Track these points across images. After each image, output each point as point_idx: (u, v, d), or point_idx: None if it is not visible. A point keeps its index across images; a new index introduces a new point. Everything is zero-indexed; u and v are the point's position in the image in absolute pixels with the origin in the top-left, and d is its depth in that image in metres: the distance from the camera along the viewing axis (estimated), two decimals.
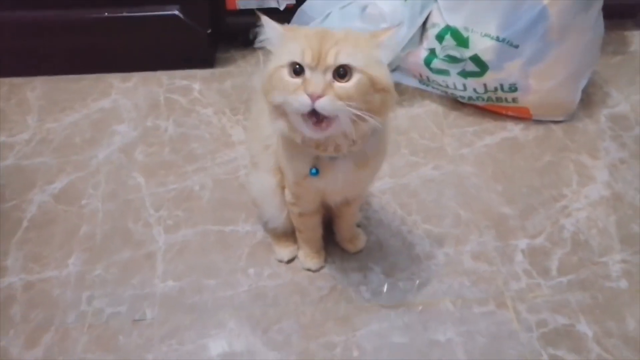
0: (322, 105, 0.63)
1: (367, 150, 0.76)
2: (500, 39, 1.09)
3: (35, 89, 1.40)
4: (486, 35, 1.10)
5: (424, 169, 1.17)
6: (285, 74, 0.66)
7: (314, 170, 0.76)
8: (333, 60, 0.64)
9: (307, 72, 0.65)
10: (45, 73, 1.44)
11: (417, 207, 1.10)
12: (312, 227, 0.94)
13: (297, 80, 0.65)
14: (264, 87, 0.70)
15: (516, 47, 1.10)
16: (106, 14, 1.33)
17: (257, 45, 0.75)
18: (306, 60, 0.64)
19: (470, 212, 1.08)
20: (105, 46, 1.41)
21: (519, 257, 1.00)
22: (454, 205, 1.10)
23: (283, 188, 0.88)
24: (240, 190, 1.14)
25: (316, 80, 0.64)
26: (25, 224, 1.09)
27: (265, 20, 0.70)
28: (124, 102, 1.37)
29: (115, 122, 1.31)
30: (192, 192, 1.14)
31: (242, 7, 1.43)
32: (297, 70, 0.65)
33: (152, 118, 1.32)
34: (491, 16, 1.08)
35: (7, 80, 1.43)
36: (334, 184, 0.78)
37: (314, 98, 0.63)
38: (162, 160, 1.21)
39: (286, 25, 0.71)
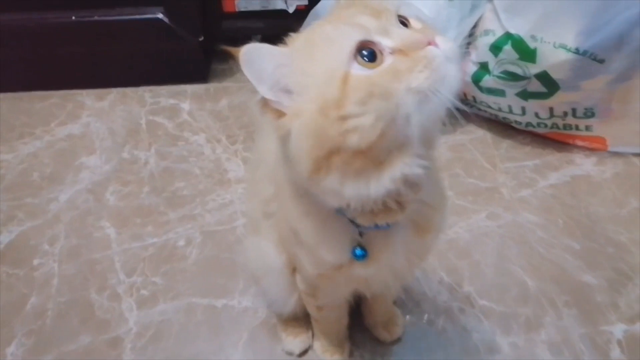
0: (449, 47, 0.40)
1: (427, 199, 0.50)
2: (581, 51, 0.82)
3: None
4: (561, 46, 0.83)
5: (475, 217, 0.91)
6: (362, 71, 0.39)
7: (359, 251, 0.50)
8: (394, 7, 0.42)
9: (386, 40, 0.40)
10: (6, 89, 1.19)
11: (469, 273, 0.83)
12: (335, 320, 0.68)
13: (390, 61, 0.40)
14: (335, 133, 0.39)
15: (601, 61, 0.83)
16: (73, 17, 1.07)
17: None
18: (372, 27, 0.41)
19: (540, 281, 0.82)
20: (77, 58, 1.16)
21: (615, 351, 0.73)
22: (518, 270, 0.83)
23: (293, 269, 0.62)
24: (238, 247, 0.88)
25: (405, 31, 0.41)
26: None
27: (256, 50, 0.40)
28: (97, 127, 1.11)
29: (85, 152, 1.06)
30: (176, 250, 0.89)
31: (241, 9, 1.17)
32: (369, 53, 0.40)
33: (130, 147, 1.06)
34: (570, 21, 0.81)
35: None
36: (387, 268, 0.52)
37: (434, 44, 0.40)
38: (139, 205, 0.96)
39: (292, 38, 0.44)
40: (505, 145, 1.03)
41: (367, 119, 0.39)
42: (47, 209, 0.96)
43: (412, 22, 0.43)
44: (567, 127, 0.97)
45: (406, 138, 0.40)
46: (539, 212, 0.91)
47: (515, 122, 1.01)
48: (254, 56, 0.40)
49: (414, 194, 0.45)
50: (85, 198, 0.97)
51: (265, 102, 0.41)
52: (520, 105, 0.96)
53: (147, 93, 1.18)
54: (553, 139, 1.02)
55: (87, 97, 1.18)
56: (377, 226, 0.47)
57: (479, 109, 1.05)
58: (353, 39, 0.40)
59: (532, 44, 0.85)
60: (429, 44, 0.40)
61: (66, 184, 1.00)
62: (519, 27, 0.85)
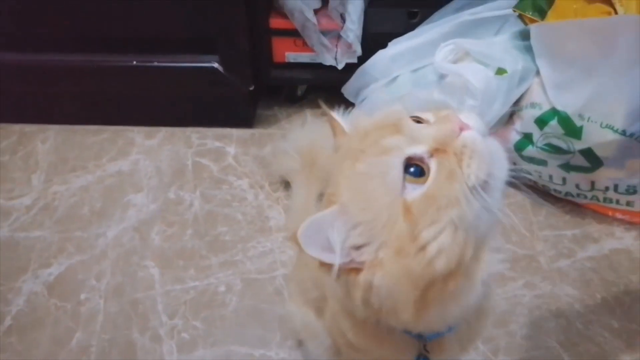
0: (477, 122, 0.41)
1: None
2: (628, 133, 0.84)
3: (47, 140, 1.21)
4: (608, 126, 0.85)
5: (513, 285, 0.92)
6: (416, 191, 0.39)
7: None
8: (404, 112, 0.43)
9: (420, 147, 0.40)
10: (61, 122, 1.25)
11: (506, 343, 0.84)
12: None
13: (435, 166, 0.40)
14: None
15: None
16: (135, 62, 1.13)
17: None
18: (402, 143, 0.40)
19: (577, 358, 0.82)
20: (131, 97, 1.21)
21: None
22: (556, 345, 0.84)
23: None
24: (276, 298, 0.90)
25: (430, 128, 0.41)
26: (8, 322, 0.88)
27: (311, 226, 0.39)
28: (145, 165, 1.16)
29: (132, 190, 1.10)
30: (216, 295, 0.91)
31: (291, 61, 1.22)
32: (415, 170, 0.39)
33: (176, 188, 1.10)
34: (617, 104, 0.83)
35: (18, 127, 1.23)
36: None
37: (465, 127, 0.40)
38: (182, 247, 0.99)
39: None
40: (544, 212, 1.04)
41: (446, 237, 0.38)
42: (95, 244, 0.99)
43: (425, 115, 0.43)
44: (607, 200, 0.98)
45: (486, 235, 0.40)
46: (577, 285, 0.92)
47: (555, 190, 1.02)
48: (311, 232, 0.38)
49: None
50: (132, 236, 1.01)
51: (339, 268, 0.39)
52: (562, 176, 0.97)
53: (194, 134, 1.23)
54: (592, 209, 1.02)
55: (138, 134, 1.23)
56: (438, 334, 0.47)
57: (518, 175, 1.06)
58: (394, 165, 0.39)
59: (578, 122, 0.87)
60: (461, 129, 0.39)
61: (114, 220, 1.04)
62: (567, 105, 0.88)
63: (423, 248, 0.38)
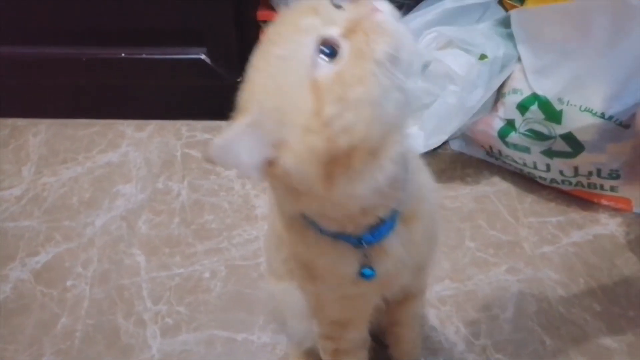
0: (389, 7, 0.41)
1: (410, 187, 0.50)
2: (607, 116, 0.84)
3: (38, 134, 1.22)
4: (587, 110, 0.85)
5: (496, 270, 0.92)
6: (329, 69, 0.39)
7: (367, 272, 0.50)
8: None
9: (334, 28, 0.40)
10: (53, 115, 1.26)
11: (487, 326, 0.84)
12: None
13: (347, 46, 0.40)
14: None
15: (626, 127, 0.85)
16: (123, 54, 1.15)
17: None
18: (317, 24, 0.40)
19: (558, 340, 0.82)
20: (121, 89, 1.23)
21: None
22: (536, 327, 0.84)
23: None
24: (260, 283, 0.90)
25: (346, 12, 0.41)
26: None
27: (224, 146, 0.39)
28: (135, 156, 1.17)
29: (122, 180, 1.11)
30: (201, 281, 0.92)
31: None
32: (329, 50, 0.39)
33: (164, 178, 1.11)
34: (595, 87, 0.84)
35: (10, 121, 1.25)
36: (394, 271, 0.52)
37: (377, 10, 0.40)
38: (169, 235, 1.00)
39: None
40: (530, 199, 1.04)
41: (351, 114, 0.38)
42: (83, 232, 1.00)
43: (345, 3, 0.43)
44: (591, 186, 0.98)
45: (393, 116, 0.40)
46: (560, 270, 0.92)
47: (540, 177, 1.02)
48: (224, 153, 0.39)
49: (405, 172, 0.46)
50: (119, 225, 1.02)
51: (261, 173, 0.40)
52: (545, 163, 0.97)
53: (184, 127, 1.24)
54: (578, 196, 1.02)
55: (128, 127, 1.24)
56: (374, 237, 0.48)
57: (504, 162, 1.06)
58: (307, 44, 0.39)
59: (558, 106, 0.87)
60: (373, 11, 0.40)
61: (102, 210, 1.05)
62: (546, 89, 0.88)
63: (327, 124, 0.38)
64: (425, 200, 0.53)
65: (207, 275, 0.93)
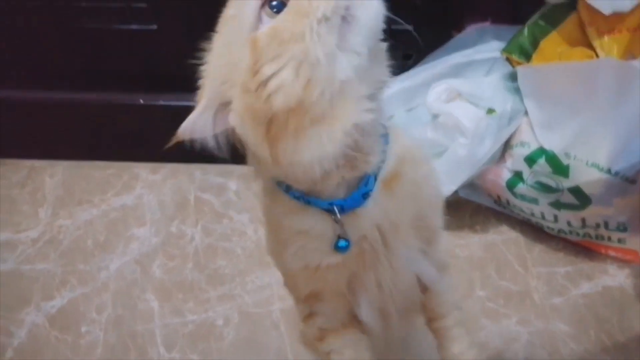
0: None
1: (388, 151, 0.48)
2: (613, 172, 0.87)
3: (55, 175, 1.25)
4: (594, 165, 0.88)
5: (506, 322, 0.93)
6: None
7: (342, 243, 0.47)
8: None
9: None
10: (69, 157, 1.29)
11: None
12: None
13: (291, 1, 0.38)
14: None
15: (633, 182, 0.87)
16: (142, 101, 1.19)
17: None
18: None
19: None
20: (137, 133, 1.26)
21: None
22: None
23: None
24: (273, 332, 0.91)
25: None
26: (9, 354, 0.89)
27: (189, 127, 0.43)
28: (149, 199, 1.19)
29: (136, 223, 1.13)
30: (214, 328, 0.93)
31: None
32: (278, 3, 0.38)
33: (178, 222, 1.13)
34: (601, 143, 0.86)
35: (28, 163, 1.28)
36: (372, 238, 0.48)
37: None
38: (183, 280, 1.01)
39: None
40: (538, 249, 1.06)
41: (286, 73, 0.36)
42: (98, 276, 1.02)
43: None
44: (599, 237, 1.00)
45: (342, 82, 0.37)
46: (570, 322, 0.92)
47: (548, 227, 1.04)
48: (191, 132, 0.43)
49: (372, 142, 0.44)
50: (133, 269, 1.03)
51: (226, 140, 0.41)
52: (553, 213, 0.99)
53: (197, 170, 1.26)
54: (586, 246, 1.04)
55: (143, 170, 1.27)
56: (346, 202, 0.45)
57: (512, 211, 1.08)
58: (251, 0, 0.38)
59: (565, 161, 0.90)
60: None
61: (117, 254, 1.06)
62: (553, 144, 0.91)
63: (263, 84, 0.37)
64: (410, 161, 0.50)
65: (220, 322, 0.93)
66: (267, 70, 0.37)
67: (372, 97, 0.41)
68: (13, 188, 1.21)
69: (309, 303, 0.55)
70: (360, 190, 0.46)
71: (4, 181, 1.23)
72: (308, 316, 0.56)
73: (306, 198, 0.46)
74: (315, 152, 0.39)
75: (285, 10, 0.38)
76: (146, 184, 1.23)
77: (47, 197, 1.20)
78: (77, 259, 1.05)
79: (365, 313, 0.53)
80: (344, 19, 0.38)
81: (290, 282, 0.57)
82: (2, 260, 1.05)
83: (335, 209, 0.46)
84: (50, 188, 1.22)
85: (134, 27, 1.11)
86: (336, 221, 0.46)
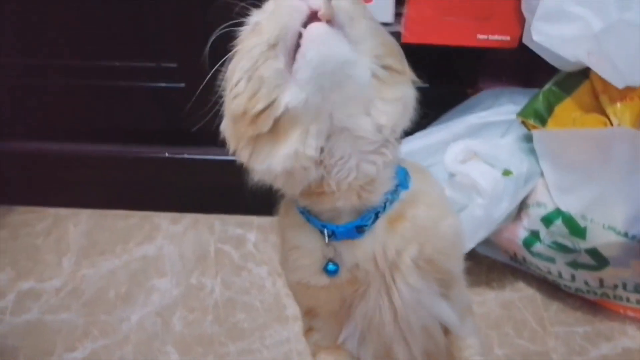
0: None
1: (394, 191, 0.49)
2: (630, 235, 0.88)
3: (79, 224, 1.29)
4: (611, 228, 0.89)
5: None
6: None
7: (331, 266, 0.49)
8: None
9: None
10: (93, 206, 1.33)
11: None
12: None
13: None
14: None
15: None
16: (167, 154, 1.23)
17: None
18: None
19: None
20: (160, 185, 1.30)
21: None
22: None
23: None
24: None
25: None
26: None
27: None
28: (170, 250, 1.22)
29: (157, 275, 1.15)
30: None
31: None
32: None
33: (198, 274, 1.15)
34: (617, 207, 0.88)
35: (53, 211, 1.32)
36: (366, 269, 0.49)
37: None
38: (202, 333, 1.02)
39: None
40: (555, 307, 1.06)
41: (241, 83, 0.43)
42: (119, 328, 1.03)
43: None
44: (617, 297, 1.00)
45: (287, 107, 0.41)
46: None
47: (565, 286, 1.05)
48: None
49: (375, 180, 0.46)
50: (154, 321, 1.05)
51: None
52: (570, 273, 1.00)
53: (217, 221, 1.29)
54: (604, 306, 1.04)
55: (164, 220, 1.30)
56: (339, 229, 0.48)
57: (529, 268, 1.09)
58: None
59: (582, 223, 0.91)
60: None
61: (138, 305, 1.08)
62: (570, 206, 0.93)
63: (231, 88, 0.44)
64: (424, 205, 0.51)
65: None
66: (235, 77, 0.43)
67: (325, 133, 0.43)
68: (38, 237, 1.24)
69: (307, 317, 0.57)
70: (355, 222, 0.48)
71: (29, 229, 1.26)
72: (307, 330, 0.59)
73: (306, 214, 0.49)
74: (262, 164, 0.45)
75: (250, 28, 0.45)
76: (167, 235, 1.26)
77: (70, 246, 1.23)
78: (99, 309, 1.07)
79: (349, 341, 0.55)
80: (297, 49, 0.41)
81: (292, 294, 0.59)
82: (26, 309, 1.07)
83: (326, 232, 0.49)
84: (74, 237, 1.25)
85: (162, 85, 1.16)
86: (327, 244, 0.49)
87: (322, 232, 0.49)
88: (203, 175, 1.25)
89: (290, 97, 0.41)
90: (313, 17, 0.40)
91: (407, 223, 0.50)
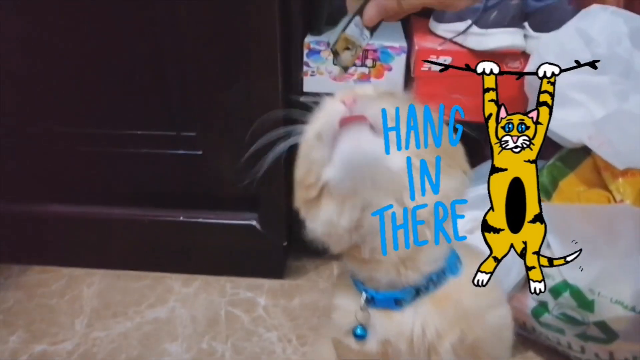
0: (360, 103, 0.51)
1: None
2: (638, 310, 0.90)
3: (92, 285, 1.31)
4: (618, 302, 0.91)
5: None
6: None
7: (359, 330, 0.52)
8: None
9: None
10: (107, 266, 1.35)
11: None
12: None
13: None
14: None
15: None
16: (182, 217, 1.27)
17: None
18: None
19: None
20: (173, 248, 1.33)
21: None
22: None
23: None
24: None
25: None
26: None
27: None
28: (181, 313, 1.23)
29: (169, 338, 1.16)
30: None
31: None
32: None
33: (209, 338, 1.16)
34: (625, 282, 0.90)
35: (67, 271, 1.34)
36: (397, 345, 0.51)
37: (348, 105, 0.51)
38: None
39: None
40: None
41: (301, 160, 0.54)
42: None
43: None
44: None
45: (327, 182, 0.50)
46: None
47: (575, 357, 1.05)
48: None
49: (375, 252, 0.51)
50: None
51: None
52: (580, 345, 1.01)
53: (228, 283, 1.31)
54: None
55: (175, 282, 1.32)
56: (378, 295, 0.52)
57: (538, 337, 1.10)
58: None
59: (590, 296, 0.93)
60: (347, 104, 0.50)
61: None
62: (577, 279, 0.95)
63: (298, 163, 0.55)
64: (469, 291, 0.52)
65: None
66: (300, 155, 0.55)
67: (362, 209, 0.50)
68: (52, 297, 1.26)
69: None
70: (394, 293, 0.52)
71: (44, 289, 1.29)
72: None
73: (353, 277, 0.55)
74: (310, 224, 0.53)
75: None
76: (179, 297, 1.28)
77: (84, 307, 1.24)
78: None
79: None
80: (320, 137, 0.52)
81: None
82: None
83: (364, 295, 0.53)
84: (87, 298, 1.27)
85: (180, 152, 1.22)
86: (362, 308, 0.52)
87: (361, 294, 0.54)
88: (217, 239, 1.28)
89: (328, 175, 0.50)
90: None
91: (451, 306, 0.52)
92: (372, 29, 0.48)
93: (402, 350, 0.52)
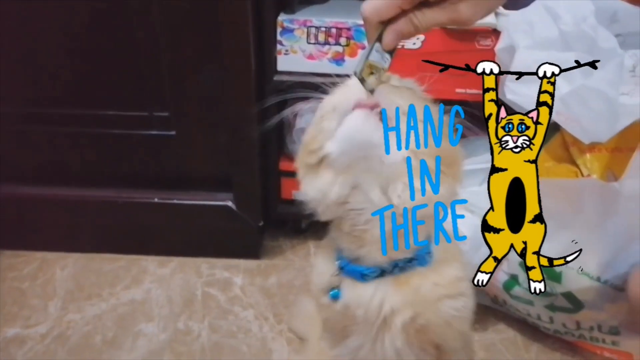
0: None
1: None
2: (602, 280, 0.93)
3: (66, 267, 1.29)
4: (584, 273, 0.94)
5: None
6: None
7: (333, 292, 0.59)
8: None
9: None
10: (80, 249, 1.34)
11: None
12: None
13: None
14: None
15: (622, 290, 0.93)
16: (156, 199, 1.25)
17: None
18: None
19: None
20: (148, 229, 1.32)
21: None
22: None
23: None
24: None
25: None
26: None
27: None
28: (157, 294, 1.22)
29: (144, 319, 1.15)
30: None
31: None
32: None
33: (185, 318, 1.16)
34: (591, 253, 0.93)
35: (40, 255, 1.32)
36: (357, 311, 0.58)
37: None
38: None
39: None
40: (535, 348, 1.09)
41: (313, 125, 0.57)
42: None
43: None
44: (594, 339, 1.04)
45: (329, 153, 0.53)
46: None
47: (544, 327, 1.08)
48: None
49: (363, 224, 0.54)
50: None
51: None
52: (548, 315, 1.04)
53: (204, 264, 1.31)
54: (581, 347, 1.08)
55: (151, 263, 1.31)
56: (348, 265, 0.57)
57: (509, 310, 1.13)
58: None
59: (557, 268, 0.96)
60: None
61: (124, 350, 1.08)
62: (546, 252, 0.97)
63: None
64: (430, 280, 0.57)
65: None
66: (314, 120, 0.58)
67: (355, 186, 0.54)
68: (24, 281, 1.24)
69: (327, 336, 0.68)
70: (361, 268, 0.57)
71: (16, 273, 1.26)
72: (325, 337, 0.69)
73: (334, 244, 0.60)
74: (304, 187, 0.57)
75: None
76: (155, 278, 1.27)
77: (57, 290, 1.23)
78: (85, 356, 1.07)
79: None
80: (333, 110, 0.55)
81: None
82: (10, 356, 1.06)
83: (337, 263, 0.59)
84: (60, 281, 1.25)
85: (153, 132, 1.20)
86: (335, 274, 0.59)
87: (337, 262, 0.59)
88: (191, 220, 1.28)
89: (330, 147, 0.54)
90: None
91: (410, 290, 0.57)
92: (391, 52, 0.50)
93: (359, 316, 0.58)
